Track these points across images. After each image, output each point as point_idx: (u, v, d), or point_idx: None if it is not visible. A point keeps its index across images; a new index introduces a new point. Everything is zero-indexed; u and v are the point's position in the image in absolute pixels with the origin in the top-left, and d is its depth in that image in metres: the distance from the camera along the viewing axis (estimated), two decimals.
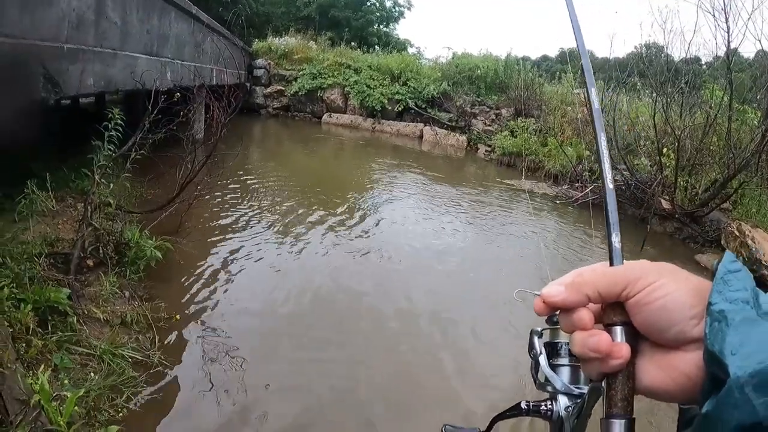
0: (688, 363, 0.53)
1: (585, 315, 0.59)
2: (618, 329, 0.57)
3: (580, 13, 0.87)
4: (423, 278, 6.01)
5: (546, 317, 0.70)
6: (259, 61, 19.83)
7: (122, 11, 5.97)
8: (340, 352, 4.33)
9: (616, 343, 0.56)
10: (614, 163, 10.86)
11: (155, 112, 5.53)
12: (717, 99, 9.60)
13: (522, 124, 16.26)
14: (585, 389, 0.67)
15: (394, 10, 32.94)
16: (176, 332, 4.18)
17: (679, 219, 9.50)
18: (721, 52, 9.25)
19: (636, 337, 0.57)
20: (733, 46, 9.03)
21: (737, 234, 8.02)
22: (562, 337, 0.72)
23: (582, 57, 0.83)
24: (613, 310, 0.58)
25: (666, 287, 0.54)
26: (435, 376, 4.18)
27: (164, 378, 3.60)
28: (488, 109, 18.42)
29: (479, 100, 18.72)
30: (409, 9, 33.39)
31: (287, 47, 20.41)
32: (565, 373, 0.70)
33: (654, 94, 10.44)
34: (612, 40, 20.63)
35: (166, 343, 3.99)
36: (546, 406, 0.71)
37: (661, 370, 0.55)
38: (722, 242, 8.50)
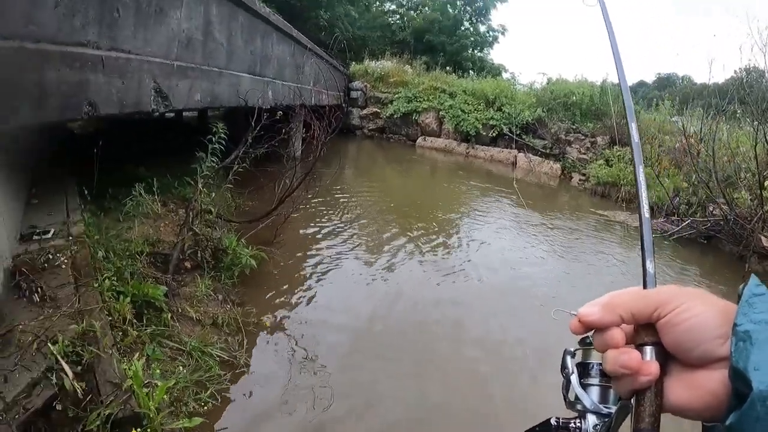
0: (714, 381, 0.55)
1: (617, 334, 0.62)
2: (648, 348, 0.60)
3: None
4: (506, 303, 5.91)
5: (579, 339, 0.75)
6: (356, 84, 20.27)
7: (228, 33, 6.29)
8: (418, 376, 4.33)
9: (646, 361, 0.59)
10: (713, 196, 10.32)
11: (258, 128, 5.79)
12: None
13: (618, 153, 15.72)
14: (613, 409, 0.69)
15: (488, 35, 32.95)
16: (264, 337, 4.32)
17: None
18: None
19: (665, 357, 0.60)
20: None
21: None
22: (594, 358, 0.76)
23: (623, 93, 0.87)
24: (645, 330, 0.61)
25: (694, 309, 0.58)
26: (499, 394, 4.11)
27: (249, 379, 3.72)
28: (583, 137, 17.97)
29: (574, 127, 18.29)
30: (503, 34, 33.33)
31: (383, 70, 20.78)
32: (595, 392, 0.73)
33: (755, 122, 9.85)
34: (711, 65, 19.70)
35: (253, 346, 4.12)
36: (575, 423, 0.73)
37: (688, 388, 0.58)
38: None
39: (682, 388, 0.58)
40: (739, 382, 0.51)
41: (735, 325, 0.54)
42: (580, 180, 16.31)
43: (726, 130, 12.05)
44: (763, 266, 8.96)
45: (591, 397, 0.72)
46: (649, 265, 0.70)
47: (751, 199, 9.79)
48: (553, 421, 0.75)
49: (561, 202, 13.86)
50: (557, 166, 17.49)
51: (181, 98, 4.95)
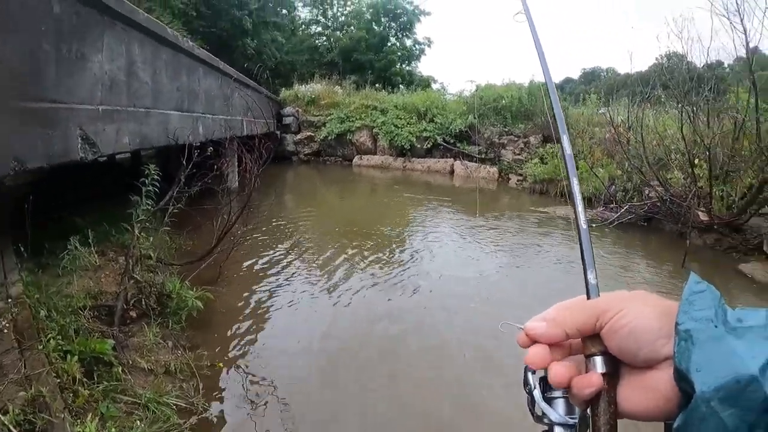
0: (663, 382, 0.56)
1: (540, 351, 0.64)
2: (597, 359, 0.61)
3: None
4: (460, 315, 5.96)
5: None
6: (288, 109, 20.22)
7: (152, 71, 6.19)
8: (382, 390, 4.32)
9: (586, 374, 0.61)
10: (647, 179, 10.74)
11: (190, 166, 5.69)
12: (743, 102, 9.44)
13: (551, 150, 16.28)
14: (578, 418, 0.69)
15: (414, 48, 33.50)
16: (219, 379, 4.22)
17: (718, 230, 9.32)
18: (742, 53, 9.15)
19: (615, 365, 0.61)
20: (752, 45, 8.94)
21: None
22: None
23: (554, 106, 0.89)
24: (591, 341, 0.62)
25: (633, 312, 0.59)
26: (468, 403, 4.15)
27: (209, 424, 3.64)
28: (516, 138, 18.46)
29: (506, 130, 18.79)
30: (429, 46, 33.98)
31: (313, 93, 20.82)
32: (561, 405, 0.71)
33: (679, 105, 10.32)
34: (631, 56, 20.58)
35: (209, 390, 4.03)
36: None
37: (640, 392, 0.58)
38: (765, 248, 8.37)
39: (635, 393, 0.59)
40: (683, 382, 0.52)
41: (677, 324, 0.55)
42: (517, 181, 16.80)
43: (652, 116, 12.57)
44: (703, 239, 9.38)
45: (557, 411, 0.70)
46: (591, 276, 0.70)
47: (684, 178, 10.25)
48: None
49: (502, 204, 14.13)
50: (494, 169, 17.96)
51: (108, 143, 4.83)
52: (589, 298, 0.68)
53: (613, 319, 0.59)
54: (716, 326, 0.53)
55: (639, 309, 0.59)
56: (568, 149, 0.81)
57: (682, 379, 0.52)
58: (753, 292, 7.20)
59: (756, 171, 9.03)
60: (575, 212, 0.76)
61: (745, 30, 8.69)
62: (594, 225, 10.58)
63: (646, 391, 0.58)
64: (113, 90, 4.98)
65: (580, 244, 0.74)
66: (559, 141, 0.84)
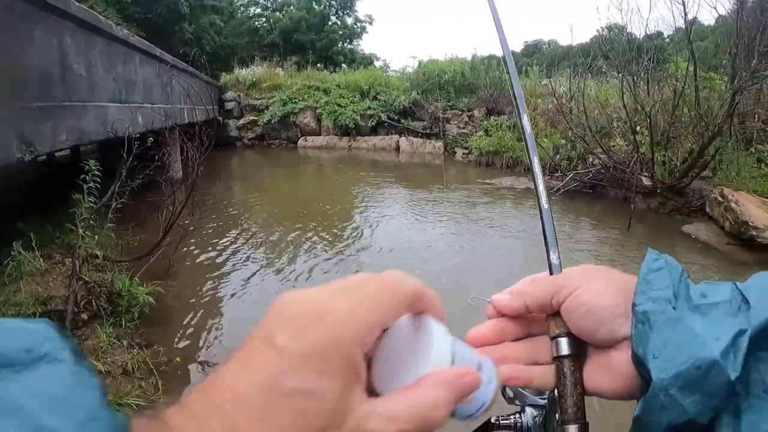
0: (623, 362, 0.53)
1: (486, 329, 0.61)
2: (562, 341, 0.58)
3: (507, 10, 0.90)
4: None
5: None
6: (229, 94, 19.84)
7: (87, 63, 6.00)
8: None
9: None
10: (590, 148, 11.02)
11: (131, 158, 5.56)
12: (682, 71, 9.74)
13: (495, 123, 16.43)
14: (548, 398, 0.69)
15: (356, 26, 33.32)
16: (178, 374, 4.18)
17: (661, 193, 9.63)
18: (681, 24, 9.45)
19: (580, 344, 0.58)
20: (690, 16, 9.26)
21: (720, 199, 8.16)
22: None
23: (513, 85, 0.85)
24: (554, 321, 0.59)
25: (591, 290, 0.56)
26: None
27: None
28: (460, 113, 18.59)
29: (450, 104, 18.90)
30: (371, 23, 33.84)
31: (254, 77, 20.45)
32: None
33: (620, 75, 10.62)
34: (572, 28, 20.99)
35: (169, 385, 3.99)
36: (515, 418, 0.73)
37: (604, 371, 0.56)
38: (707, 209, 8.66)
39: (599, 372, 0.56)
40: (641, 368, 0.49)
41: (634, 305, 0.52)
42: (463, 154, 16.97)
43: (594, 85, 12.84)
44: (647, 203, 9.71)
45: (526, 391, 0.71)
46: (553, 256, 0.67)
47: (626, 145, 10.55)
48: (492, 420, 0.74)
49: (448, 177, 14.25)
50: (439, 144, 18.07)
51: (46, 141, 4.69)
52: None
53: (571, 297, 0.56)
54: (675, 308, 0.50)
55: (596, 286, 0.56)
56: (528, 128, 0.80)
57: (639, 364, 0.49)
58: (698, 252, 7.50)
59: (696, 136, 9.38)
60: (537, 192, 0.74)
61: (683, 1, 8.97)
62: (533, 188, 10.76)
63: (609, 371, 0.55)
64: (47, 85, 4.82)
65: (542, 224, 0.71)
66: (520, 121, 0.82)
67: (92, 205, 4.92)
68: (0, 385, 0.28)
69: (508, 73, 0.87)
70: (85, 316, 4.40)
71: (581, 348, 0.58)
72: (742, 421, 0.44)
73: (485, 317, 0.63)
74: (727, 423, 0.44)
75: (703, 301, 0.50)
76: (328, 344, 0.37)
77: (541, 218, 0.72)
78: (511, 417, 0.73)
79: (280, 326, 0.38)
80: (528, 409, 0.71)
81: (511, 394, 0.73)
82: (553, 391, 0.59)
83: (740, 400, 0.44)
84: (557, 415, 0.58)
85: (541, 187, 0.74)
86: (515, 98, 0.83)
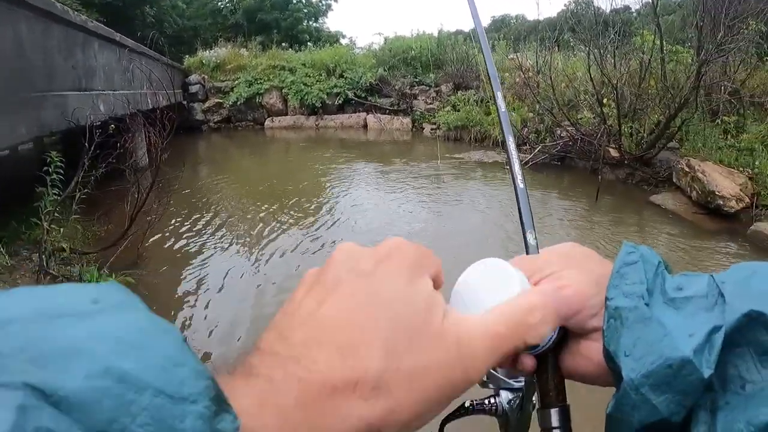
0: (595, 352, 0.52)
1: None
2: None
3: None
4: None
5: None
6: (193, 77, 19.47)
7: (43, 51, 5.87)
8: None
9: (520, 359, 0.56)
10: (558, 120, 11.13)
11: (93, 147, 5.47)
12: (649, 44, 9.90)
13: (462, 98, 16.45)
14: (523, 381, 0.68)
15: (320, 4, 32.88)
16: None
17: (629, 164, 9.80)
18: None
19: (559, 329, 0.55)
20: None
21: (687, 170, 8.32)
22: None
23: (488, 65, 0.85)
24: None
25: (567, 277, 0.54)
26: None
27: None
28: (427, 88, 18.57)
29: (417, 80, 18.85)
30: (335, 1, 33.42)
31: (218, 59, 20.10)
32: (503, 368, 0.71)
33: (587, 48, 10.74)
34: (538, 2, 21.08)
35: None
36: (490, 402, 0.71)
37: (578, 358, 0.55)
38: (674, 180, 8.81)
39: (575, 358, 0.55)
40: (612, 365, 0.48)
41: (607, 299, 0.51)
42: (431, 129, 17.00)
43: (561, 59, 12.92)
44: (615, 174, 9.89)
45: (499, 374, 0.70)
46: (530, 237, 0.67)
47: (593, 118, 10.69)
48: (467, 404, 0.71)
49: (417, 153, 14.29)
50: (407, 120, 18.08)
51: (5, 135, 4.59)
52: None
53: (544, 281, 0.54)
54: (647, 304, 0.48)
55: (575, 274, 0.54)
56: (502, 106, 0.79)
57: (610, 361, 0.48)
58: (666, 221, 7.67)
59: (662, 108, 9.56)
60: (512, 171, 0.74)
61: None
62: (508, 167, 10.83)
63: (583, 358, 0.54)
64: (3, 77, 4.71)
65: (518, 204, 0.71)
66: (494, 99, 0.82)
67: (56, 197, 4.85)
68: (60, 329, 0.27)
69: (482, 52, 0.88)
70: None
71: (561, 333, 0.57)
72: (718, 418, 0.42)
73: None
74: (703, 420, 0.43)
75: (679, 294, 0.48)
76: (408, 263, 0.41)
77: (517, 198, 0.73)
78: (486, 401, 0.72)
79: (359, 258, 0.41)
80: (503, 393, 0.70)
81: (483, 377, 0.74)
82: (531, 375, 0.58)
83: (717, 396, 0.43)
84: (536, 399, 0.59)
85: (516, 167, 0.74)
86: (489, 78, 0.84)
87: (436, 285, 0.44)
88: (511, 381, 0.69)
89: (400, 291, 0.39)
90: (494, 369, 0.70)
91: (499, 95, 0.80)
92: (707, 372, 0.42)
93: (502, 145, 0.78)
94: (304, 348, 0.36)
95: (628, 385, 0.45)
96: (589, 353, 0.53)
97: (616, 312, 0.49)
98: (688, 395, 0.43)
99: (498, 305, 0.45)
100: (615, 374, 0.48)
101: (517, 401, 0.69)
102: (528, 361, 0.55)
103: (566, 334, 0.56)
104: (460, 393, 0.41)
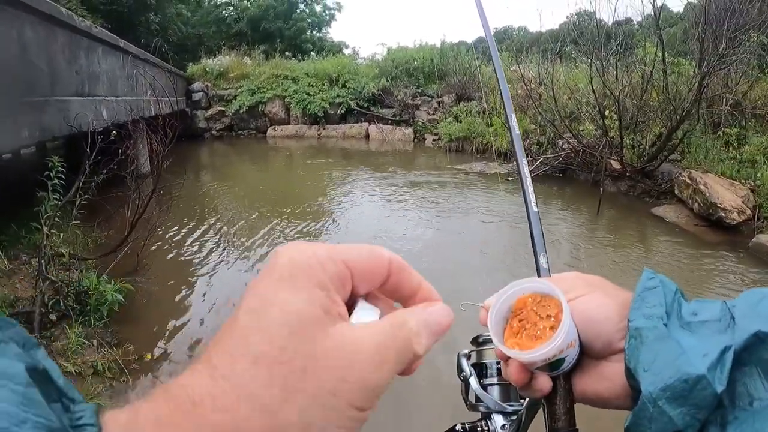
0: (616, 374, 0.54)
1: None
2: None
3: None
4: None
5: (472, 339, 0.73)
6: (196, 85, 19.52)
7: (48, 56, 5.88)
8: None
9: (538, 379, 0.57)
10: (560, 132, 11.13)
11: (95, 153, 5.47)
12: (651, 56, 9.89)
13: (465, 109, 16.49)
14: (518, 406, 0.68)
15: (324, 14, 32.92)
16: (149, 372, 4.15)
17: (630, 177, 9.79)
18: (649, 10, 9.62)
19: None
20: (659, 3, 9.45)
21: (689, 182, 8.30)
22: (491, 357, 0.73)
23: (501, 88, 0.88)
24: None
25: (595, 300, 0.57)
26: None
27: None
28: (430, 99, 18.63)
29: (419, 91, 18.93)
30: (339, 11, 33.47)
31: (222, 66, 20.16)
32: (496, 391, 0.70)
33: (589, 60, 10.76)
34: (540, 13, 21.13)
35: (140, 384, 3.96)
36: (482, 426, 0.71)
37: (596, 380, 0.57)
38: (676, 192, 8.80)
39: (591, 380, 0.57)
40: (632, 380, 0.51)
41: (628, 320, 0.53)
42: (433, 140, 17.02)
43: (563, 71, 12.95)
44: (617, 187, 9.88)
45: (493, 397, 0.70)
46: (543, 261, 0.67)
47: (595, 129, 10.67)
48: (458, 427, 0.73)
49: (419, 163, 14.29)
50: (409, 131, 18.09)
51: (6, 139, 4.59)
52: None
53: (574, 302, 0.56)
54: (666, 324, 0.51)
55: (599, 298, 0.57)
56: (515, 129, 0.79)
57: (631, 377, 0.51)
58: (668, 233, 7.63)
59: (664, 120, 9.56)
60: (525, 194, 0.74)
61: None
62: (510, 179, 10.88)
63: (601, 380, 0.56)
64: (7, 80, 4.71)
65: (530, 228, 0.71)
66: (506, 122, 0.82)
67: (57, 202, 4.84)
68: None
69: (498, 82, 0.94)
70: (53, 316, 4.34)
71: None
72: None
73: (477, 325, 0.62)
74: None
75: (694, 318, 0.51)
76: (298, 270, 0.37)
77: (529, 221, 0.72)
78: (478, 423, 0.72)
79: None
80: (495, 417, 0.70)
81: (473, 399, 0.72)
82: (540, 398, 0.59)
83: (726, 412, 0.46)
84: (546, 422, 0.58)
85: (529, 190, 0.75)
86: (503, 99, 0.85)
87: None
88: (504, 405, 0.69)
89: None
90: (487, 391, 0.70)
91: (512, 117, 0.81)
92: (719, 387, 0.45)
93: (516, 166, 0.79)
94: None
95: (646, 398, 0.48)
96: (608, 374, 0.55)
97: (636, 332, 0.52)
98: (702, 409, 0.46)
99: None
100: (634, 390, 0.51)
101: (512, 425, 0.69)
102: (546, 383, 0.57)
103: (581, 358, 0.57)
104: None
